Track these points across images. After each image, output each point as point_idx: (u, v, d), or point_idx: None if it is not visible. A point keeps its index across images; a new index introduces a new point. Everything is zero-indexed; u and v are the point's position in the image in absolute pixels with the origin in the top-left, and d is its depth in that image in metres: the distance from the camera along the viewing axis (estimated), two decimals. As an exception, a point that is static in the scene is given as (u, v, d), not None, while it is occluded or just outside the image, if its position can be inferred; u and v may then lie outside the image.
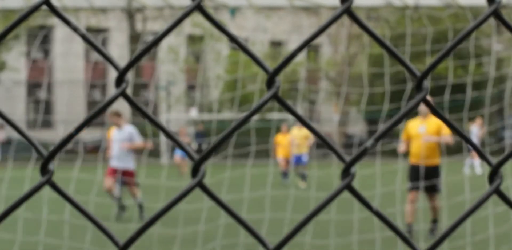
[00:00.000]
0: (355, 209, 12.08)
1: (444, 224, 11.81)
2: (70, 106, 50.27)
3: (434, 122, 11.25)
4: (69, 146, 38.60)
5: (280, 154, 24.35)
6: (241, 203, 13.85)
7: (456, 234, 10.51)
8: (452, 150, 15.30)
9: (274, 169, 22.56)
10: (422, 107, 10.76)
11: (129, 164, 14.21)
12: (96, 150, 41.38)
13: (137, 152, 15.40)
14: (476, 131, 26.71)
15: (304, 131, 23.15)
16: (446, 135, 11.26)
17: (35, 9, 1.10)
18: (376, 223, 11.35)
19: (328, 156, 38.60)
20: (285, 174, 24.00)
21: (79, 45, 52.47)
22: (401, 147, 11.45)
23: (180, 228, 11.60)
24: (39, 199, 14.33)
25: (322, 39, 51.97)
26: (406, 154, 11.66)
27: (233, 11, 12.48)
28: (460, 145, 18.11)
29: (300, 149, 23.15)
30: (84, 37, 1.14)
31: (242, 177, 17.93)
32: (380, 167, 13.31)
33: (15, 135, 38.25)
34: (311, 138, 23.25)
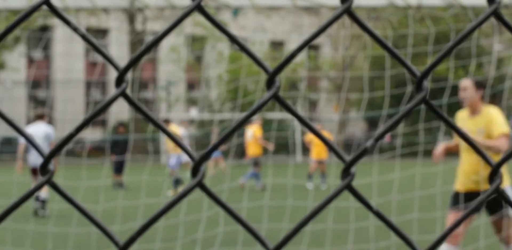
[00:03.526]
0: (351, 219, 11.77)
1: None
2: (70, 106, 50.24)
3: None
4: (69, 146, 38.55)
5: (315, 155, 22.13)
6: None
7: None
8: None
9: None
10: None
11: None
12: (97, 150, 41.35)
13: None
14: None
15: (172, 129, 19.90)
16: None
17: (35, 9, 1.10)
18: (371, 233, 11.23)
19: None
20: (309, 177, 21.94)
21: (79, 45, 52.46)
22: None
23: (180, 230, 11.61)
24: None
25: (322, 40, 51.99)
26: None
27: (236, 11, 12.45)
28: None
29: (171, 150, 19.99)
30: (84, 37, 1.14)
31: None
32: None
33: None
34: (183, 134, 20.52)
